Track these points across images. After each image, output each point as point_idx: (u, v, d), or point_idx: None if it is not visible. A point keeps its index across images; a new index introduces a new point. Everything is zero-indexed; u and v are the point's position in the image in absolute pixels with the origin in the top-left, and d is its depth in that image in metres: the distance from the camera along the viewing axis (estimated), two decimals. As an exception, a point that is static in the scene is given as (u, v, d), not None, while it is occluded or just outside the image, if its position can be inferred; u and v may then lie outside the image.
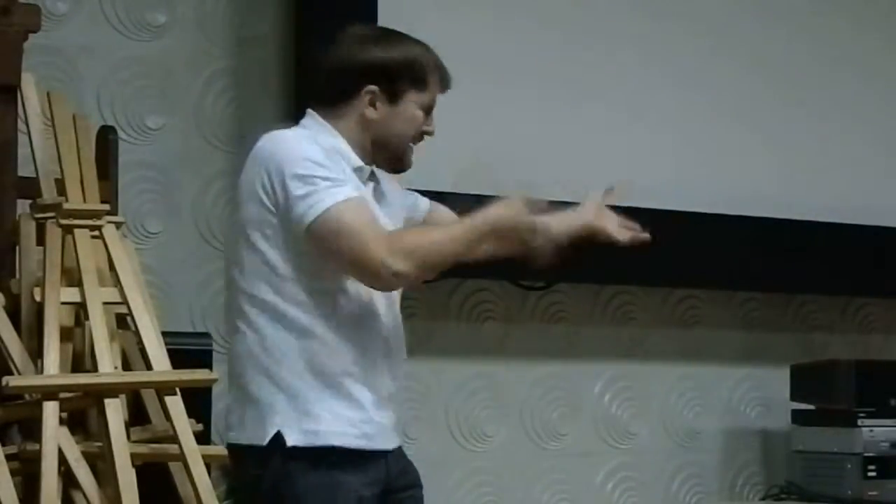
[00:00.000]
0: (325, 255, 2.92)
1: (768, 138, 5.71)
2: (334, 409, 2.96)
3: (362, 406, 2.99)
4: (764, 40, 5.73)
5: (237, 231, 3.06)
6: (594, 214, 3.34)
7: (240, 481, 3.06)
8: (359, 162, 3.05)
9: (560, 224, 3.27)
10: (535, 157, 5.24)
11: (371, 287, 2.97)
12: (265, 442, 2.93)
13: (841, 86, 5.87)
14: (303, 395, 2.94)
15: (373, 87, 3.03)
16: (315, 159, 2.93)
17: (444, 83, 3.11)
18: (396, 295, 3.12)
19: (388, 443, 3.07)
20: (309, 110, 3.10)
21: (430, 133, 3.10)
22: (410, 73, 3.04)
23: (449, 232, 3.00)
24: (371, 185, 3.10)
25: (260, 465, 2.95)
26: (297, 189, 2.91)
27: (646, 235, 3.40)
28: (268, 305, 2.96)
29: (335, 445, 2.94)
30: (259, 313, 2.97)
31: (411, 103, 3.05)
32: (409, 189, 3.35)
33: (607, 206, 3.40)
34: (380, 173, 3.14)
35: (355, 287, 2.99)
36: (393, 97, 3.04)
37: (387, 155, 3.08)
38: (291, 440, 2.93)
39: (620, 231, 3.35)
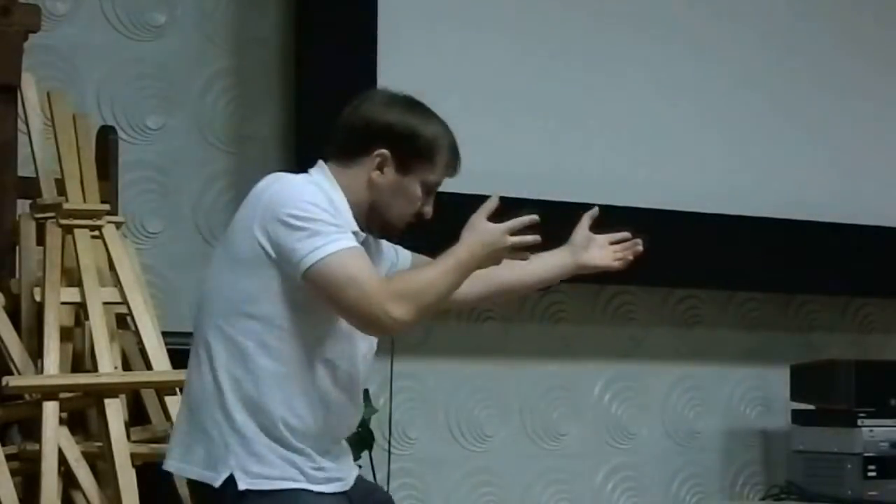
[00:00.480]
0: (323, 299, 2.89)
1: (768, 139, 5.71)
2: (281, 453, 2.94)
3: (310, 455, 2.97)
4: (764, 42, 5.74)
5: (220, 259, 3.02)
6: (580, 255, 3.35)
7: None
8: (355, 226, 3.01)
9: (547, 267, 3.29)
10: (534, 158, 5.25)
11: (370, 334, 2.96)
12: (217, 484, 2.92)
13: (841, 86, 5.87)
14: (253, 436, 2.92)
15: (385, 151, 3.00)
16: (320, 205, 2.91)
17: (454, 168, 3.08)
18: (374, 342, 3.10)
19: (342, 486, 3.04)
20: (320, 162, 3.07)
21: (426, 215, 3.07)
22: (426, 147, 3.02)
23: (438, 269, 2.94)
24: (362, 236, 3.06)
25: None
26: (299, 231, 2.88)
27: (638, 247, 3.37)
28: (234, 342, 2.95)
29: (287, 489, 2.93)
30: (224, 347, 2.96)
31: (417, 180, 3.02)
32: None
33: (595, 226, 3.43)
34: (369, 242, 3.12)
35: (333, 339, 2.97)
36: (402, 166, 3.01)
37: (381, 222, 3.05)
38: (243, 484, 2.91)
39: (612, 259, 3.31)
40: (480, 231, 2.94)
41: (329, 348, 2.98)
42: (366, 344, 3.07)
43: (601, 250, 3.32)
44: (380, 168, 3.00)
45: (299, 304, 2.92)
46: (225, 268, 2.99)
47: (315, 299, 2.90)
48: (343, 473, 3.05)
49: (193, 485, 3.03)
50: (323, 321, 2.95)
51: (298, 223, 2.88)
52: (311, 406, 2.95)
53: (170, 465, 3.06)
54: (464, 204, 4.97)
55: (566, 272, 3.29)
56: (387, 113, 3.03)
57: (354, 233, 2.99)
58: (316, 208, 2.89)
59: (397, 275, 3.07)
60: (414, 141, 3.01)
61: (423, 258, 3.24)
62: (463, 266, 2.94)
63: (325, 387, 2.98)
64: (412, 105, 3.07)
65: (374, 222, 3.05)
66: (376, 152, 3.00)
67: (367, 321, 2.89)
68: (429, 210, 3.07)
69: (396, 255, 3.26)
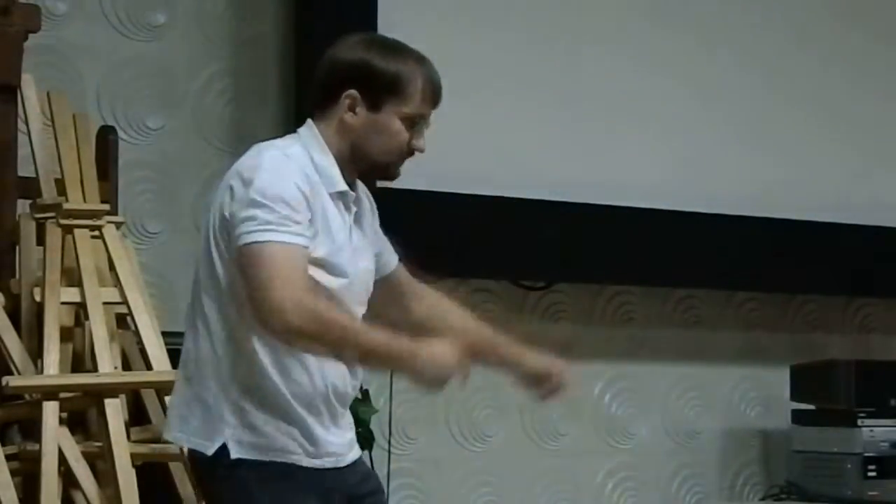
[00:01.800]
0: (242, 278, 2.86)
1: (769, 139, 5.71)
2: (278, 424, 2.93)
3: (308, 428, 2.96)
4: (763, 43, 5.73)
5: (204, 232, 3.00)
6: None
7: (198, 483, 3.03)
8: (342, 185, 2.98)
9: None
10: (534, 159, 5.25)
11: (259, 327, 2.88)
12: (210, 452, 2.91)
13: (841, 86, 5.87)
14: (249, 408, 2.92)
15: (352, 91, 2.95)
16: (286, 196, 2.85)
17: (431, 98, 3.00)
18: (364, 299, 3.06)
19: (336, 461, 3.02)
20: (308, 121, 3.03)
21: (418, 149, 3.00)
22: (393, 82, 2.95)
23: (363, 333, 2.87)
24: (353, 212, 3.03)
25: (208, 474, 2.95)
26: (251, 210, 2.84)
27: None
28: (226, 317, 2.93)
29: (280, 461, 2.93)
30: (218, 319, 2.94)
31: (392, 115, 2.96)
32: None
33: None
34: (365, 206, 3.09)
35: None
36: (372, 104, 2.96)
37: (367, 164, 3.00)
38: (235, 453, 2.90)
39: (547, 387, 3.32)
40: (439, 365, 2.86)
41: None
42: (359, 302, 3.03)
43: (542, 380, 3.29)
44: (351, 109, 2.96)
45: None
46: (205, 239, 2.98)
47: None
48: (339, 448, 3.02)
49: (191, 454, 3.01)
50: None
51: (255, 203, 2.84)
52: (307, 369, 2.93)
53: (168, 435, 3.05)
54: (463, 204, 4.99)
55: (507, 369, 3.21)
56: (349, 53, 2.99)
57: (341, 193, 2.96)
58: (279, 198, 2.84)
59: (333, 308, 2.95)
60: (379, 76, 2.94)
61: (407, 279, 3.21)
62: (390, 362, 2.91)
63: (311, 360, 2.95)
64: (375, 42, 3.03)
65: (362, 166, 3.01)
66: (344, 94, 2.96)
67: (259, 308, 2.81)
68: (420, 143, 3.00)
69: (386, 251, 3.20)
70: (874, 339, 6.12)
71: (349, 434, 3.08)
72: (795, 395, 5.65)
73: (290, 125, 4.98)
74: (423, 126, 3.01)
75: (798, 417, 5.63)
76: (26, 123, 4.18)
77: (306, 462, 2.94)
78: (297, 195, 2.87)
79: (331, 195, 2.96)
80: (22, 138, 4.17)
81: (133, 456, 3.69)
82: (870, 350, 6.06)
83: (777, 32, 5.77)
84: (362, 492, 3.09)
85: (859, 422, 5.40)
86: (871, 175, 5.91)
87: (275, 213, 2.83)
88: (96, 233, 3.99)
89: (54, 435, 3.64)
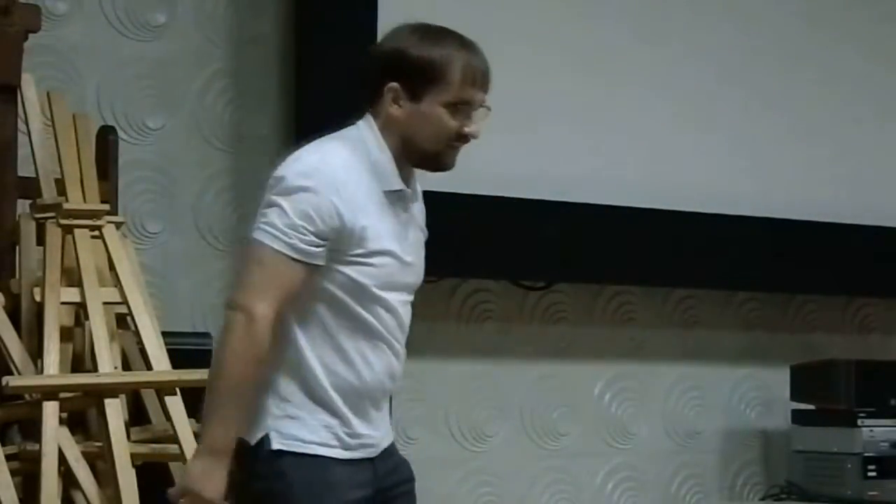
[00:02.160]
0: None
1: (769, 139, 5.71)
2: (319, 417, 2.95)
3: (348, 420, 2.97)
4: (764, 42, 5.73)
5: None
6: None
7: (238, 472, 3.02)
8: (398, 184, 2.97)
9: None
10: (534, 159, 5.25)
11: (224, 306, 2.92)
12: (252, 442, 2.92)
13: (841, 86, 5.87)
14: (291, 399, 2.94)
15: (393, 84, 2.93)
16: (304, 205, 2.84)
17: (475, 82, 2.95)
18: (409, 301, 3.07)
19: (372, 452, 3.03)
20: (367, 115, 2.99)
21: (471, 135, 2.96)
22: (430, 70, 2.92)
23: (227, 394, 2.85)
24: (409, 209, 3.03)
25: (248, 464, 2.94)
26: (268, 208, 2.86)
27: None
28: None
29: (318, 455, 2.94)
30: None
31: (434, 103, 2.93)
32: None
33: None
34: (419, 202, 3.10)
35: (365, 296, 2.95)
36: (414, 94, 2.93)
37: (418, 156, 2.98)
38: (276, 444, 2.92)
39: None
40: (198, 481, 2.84)
41: (358, 304, 2.95)
42: (405, 294, 3.04)
43: None
44: (395, 102, 2.94)
45: (330, 269, 2.91)
46: None
47: (339, 258, 2.89)
48: (375, 440, 3.04)
49: (237, 445, 2.98)
50: (348, 283, 2.93)
51: (276, 198, 2.86)
52: (350, 363, 2.95)
53: None
54: (463, 204, 4.99)
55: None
56: (386, 44, 2.99)
57: (396, 192, 2.95)
58: (310, 208, 2.84)
59: (371, 300, 2.97)
60: (414, 65, 2.92)
61: None
62: (202, 432, 2.88)
63: (359, 340, 2.96)
64: (414, 30, 3.00)
65: (414, 159, 2.99)
66: (386, 87, 2.94)
67: (225, 310, 2.88)
68: (472, 129, 2.96)
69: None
70: (874, 339, 6.12)
71: (385, 424, 3.09)
72: (795, 395, 5.65)
73: (290, 125, 5.02)
74: (473, 111, 2.96)
75: (798, 417, 5.63)
76: (26, 123, 4.18)
77: (342, 455, 2.95)
78: (320, 205, 2.86)
79: (386, 193, 2.95)
80: (22, 138, 4.17)
81: (133, 456, 3.69)
82: (870, 350, 6.06)
83: (778, 32, 5.77)
84: (389, 483, 3.09)
85: (859, 422, 5.40)
86: (871, 175, 5.91)
87: (287, 218, 2.83)
88: (96, 233, 3.99)
89: (54, 435, 3.64)
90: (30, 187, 4.11)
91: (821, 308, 6.00)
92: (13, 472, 3.67)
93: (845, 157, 5.86)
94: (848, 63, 5.89)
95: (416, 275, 3.07)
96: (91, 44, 4.81)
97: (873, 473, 5.37)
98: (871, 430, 5.40)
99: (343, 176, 2.88)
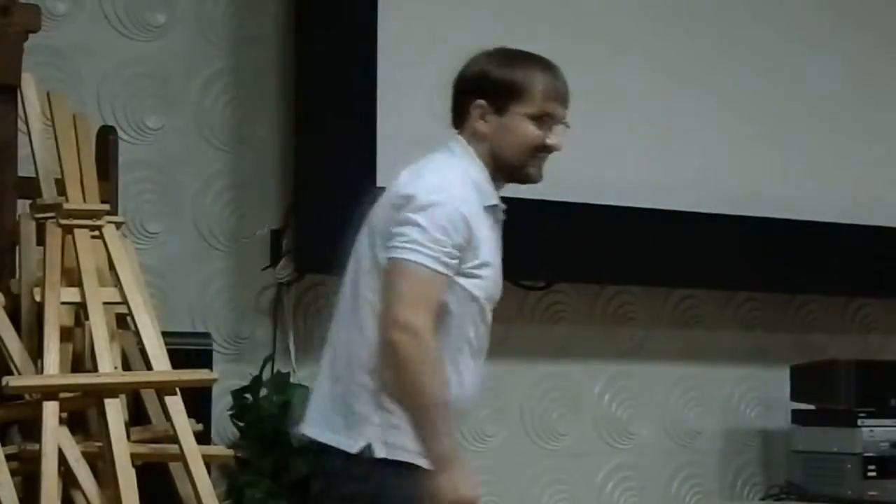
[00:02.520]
0: (381, 287, 2.99)
1: (769, 138, 5.71)
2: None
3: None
4: (763, 41, 5.73)
5: (368, 240, 3.09)
6: None
7: (327, 477, 3.08)
8: (495, 199, 3.13)
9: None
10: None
11: (381, 332, 2.97)
12: (354, 450, 3.00)
13: (841, 86, 5.87)
14: (393, 409, 2.99)
15: (480, 101, 3.11)
16: (439, 218, 2.97)
17: (555, 95, 3.15)
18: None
19: None
20: (457, 136, 3.15)
21: (554, 146, 3.14)
22: (513, 85, 3.10)
23: (435, 399, 2.93)
24: (494, 224, 3.15)
25: (346, 471, 3.01)
26: (404, 227, 2.97)
27: None
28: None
29: (418, 465, 2.98)
30: (373, 325, 3.01)
31: (517, 115, 3.10)
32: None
33: None
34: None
35: (469, 309, 3.06)
36: (499, 109, 3.11)
37: (507, 168, 3.14)
38: (380, 452, 2.99)
39: None
40: (454, 487, 2.92)
41: (466, 318, 3.07)
42: (492, 307, 3.15)
43: None
44: (482, 118, 3.11)
45: (452, 281, 3.01)
46: (373, 248, 3.07)
47: (459, 269, 3.01)
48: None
49: (326, 450, 3.07)
50: (464, 295, 3.05)
51: (412, 216, 2.97)
52: (456, 375, 3.04)
53: (307, 431, 3.12)
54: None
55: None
56: (470, 68, 3.16)
57: (492, 207, 3.11)
58: (447, 222, 2.97)
59: (479, 312, 3.10)
60: (499, 82, 3.11)
61: None
62: (428, 439, 2.93)
63: (464, 354, 3.08)
64: (494, 53, 3.18)
65: (504, 172, 3.15)
66: (473, 105, 3.11)
67: (383, 315, 2.95)
68: (554, 141, 3.14)
69: None
70: (874, 339, 6.12)
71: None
72: (795, 395, 5.65)
73: (289, 125, 5.02)
74: (555, 125, 3.14)
75: (798, 417, 5.63)
76: (26, 123, 4.18)
77: (425, 464, 2.99)
78: (453, 217, 2.99)
79: (485, 208, 3.10)
80: (22, 138, 4.17)
81: (133, 456, 3.69)
82: (870, 350, 6.06)
83: (781, 33, 5.77)
84: None
85: (859, 422, 5.40)
86: (871, 175, 5.90)
87: (426, 234, 2.96)
88: (96, 233, 3.99)
89: (54, 435, 3.64)
90: (30, 187, 4.11)
91: (821, 308, 6.00)
92: (13, 472, 3.67)
93: (846, 157, 5.86)
94: (850, 64, 5.89)
95: (501, 289, 3.20)
96: (91, 44, 4.81)
97: (873, 473, 5.37)
98: (871, 430, 5.40)
99: (462, 191, 3.05)
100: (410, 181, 3.05)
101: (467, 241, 3.00)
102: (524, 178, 3.18)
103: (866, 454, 5.38)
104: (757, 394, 5.87)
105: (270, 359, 4.91)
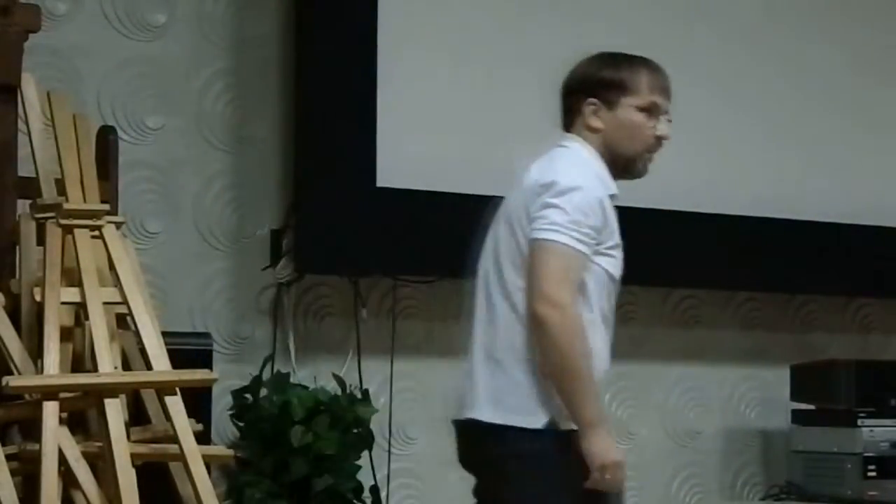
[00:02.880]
0: (525, 269, 3.19)
1: (769, 139, 5.71)
2: None
3: None
4: (764, 41, 5.73)
5: (508, 229, 3.29)
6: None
7: (519, 458, 3.23)
8: (615, 189, 3.32)
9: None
10: (535, 159, 5.24)
11: (529, 308, 3.18)
12: (540, 426, 3.18)
13: (841, 86, 5.87)
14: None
15: (592, 99, 3.32)
16: (578, 201, 3.17)
17: (659, 86, 3.33)
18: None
19: None
20: (572, 135, 3.35)
21: (663, 136, 3.33)
22: (621, 81, 3.31)
23: (585, 365, 3.19)
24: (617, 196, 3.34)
25: (531, 449, 3.19)
26: (546, 210, 3.17)
27: None
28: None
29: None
30: (524, 305, 3.21)
31: (628, 108, 3.30)
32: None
33: None
34: None
35: (599, 291, 3.28)
36: (609, 105, 3.31)
37: (623, 161, 3.33)
38: (564, 424, 3.17)
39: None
40: (606, 451, 3.16)
41: (602, 294, 3.31)
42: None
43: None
44: (595, 114, 3.32)
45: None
46: (518, 234, 3.27)
47: (598, 250, 3.23)
48: None
49: (503, 432, 3.24)
50: (601, 273, 3.26)
51: (553, 200, 3.17)
52: (598, 350, 3.29)
53: (479, 415, 3.29)
54: (463, 204, 4.98)
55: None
56: (577, 72, 3.39)
57: (613, 196, 3.29)
58: (575, 200, 3.17)
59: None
60: (607, 81, 3.32)
61: None
62: (578, 406, 3.16)
63: (599, 327, 3.32)
64: (598, 56, 3.40)
65: (617, 164, 3.33)
66: (585, 103, 3.32)
67: (532, 291, 3.15)
68: (663, 131, 3.32)
69: None
70: (874, 339, 6.12)
71: None
72: (795, 395, 5.65)
73: (289, 125, 5.02)
74: (661, 115, 3.32)
75: (798, 417, 5.62)
76: (26, 123, 4.18)
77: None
78: (591, 201, 3.21)
79: (609, 197, 3.29)
80: (22, 138, 4.17)
81: (133, 456, 3.69)
82: (870, 350, 6.06)
83: (781, 33, 5.77)
84: None
85: (859, 422, 5.40)
86: (871, 175, 5.90)
87: (567, 216, 3.16)
88: (96, 233, 3.99)
89: (54, 435, 3.64)
90: (30, 187, 4.11)
91: (821, 308, 5.99)
92: (13, 472, 3.67)
93: (846, 157, 5.86)
94: (850, 63, 5.89)
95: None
96: (91, 44, 4.82)
97: (873, 473, 5.37)
98: (871, 430, 5.40)
99: (594, 178, 3.26)
100: (549, 169, 3.25)
101: (603, 223, 3.21)
102: (634, 174, 3.37)
103: (866, 454, 5.38)
104: (757, 394, 5.87)
105: (270, 359, 4.91)
